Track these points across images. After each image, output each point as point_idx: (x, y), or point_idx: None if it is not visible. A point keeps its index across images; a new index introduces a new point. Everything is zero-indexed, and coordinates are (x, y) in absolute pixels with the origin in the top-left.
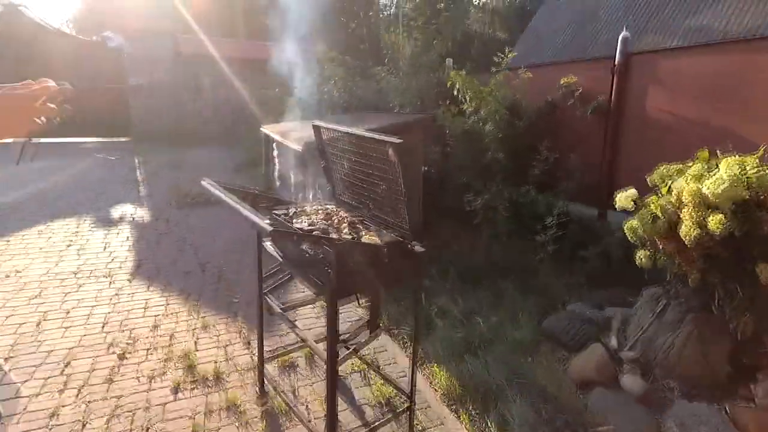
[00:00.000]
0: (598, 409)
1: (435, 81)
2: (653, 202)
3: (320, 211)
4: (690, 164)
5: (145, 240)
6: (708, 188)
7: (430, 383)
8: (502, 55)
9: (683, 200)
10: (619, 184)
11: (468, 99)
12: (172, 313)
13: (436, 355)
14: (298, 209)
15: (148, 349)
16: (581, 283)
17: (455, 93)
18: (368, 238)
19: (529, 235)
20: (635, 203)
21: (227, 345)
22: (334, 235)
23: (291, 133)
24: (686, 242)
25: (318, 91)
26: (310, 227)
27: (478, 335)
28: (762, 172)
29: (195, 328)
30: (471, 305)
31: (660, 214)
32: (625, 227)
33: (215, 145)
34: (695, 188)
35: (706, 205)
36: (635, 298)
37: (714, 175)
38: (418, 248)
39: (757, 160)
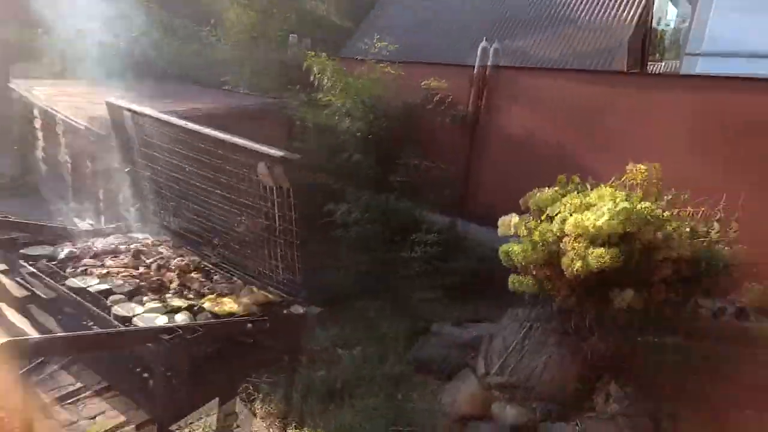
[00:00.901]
0: None
1: (277, 59)
2: (534, 230)
3: (123, 250)
4: (557, 189)
5: None
6: (589, 220)
7: None
8: (370, 43)
9: (566, 231)
10: (477, 194)
11: (326, 88)
12: None
13: (296, 408)
14: (79, 247)
15: None
16: (440, 298)
17: (311, 79)
18: (214, 301)
19: (391, 248)
20: (515, 228)
21: None
22: (150, 304)
23: (68, 100)
24: (567, 273)
25: (116, 44)
26: (100, 286)
27: (343, 374)
28: (637, 208)
29: None
30: (334, 333)
31: (540, 242)
32: (500, 251)
33: None
34: (579, 219)
35: (585, 237)
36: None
37: (592, 206)
38: (297, 309)
39: (624, 194)
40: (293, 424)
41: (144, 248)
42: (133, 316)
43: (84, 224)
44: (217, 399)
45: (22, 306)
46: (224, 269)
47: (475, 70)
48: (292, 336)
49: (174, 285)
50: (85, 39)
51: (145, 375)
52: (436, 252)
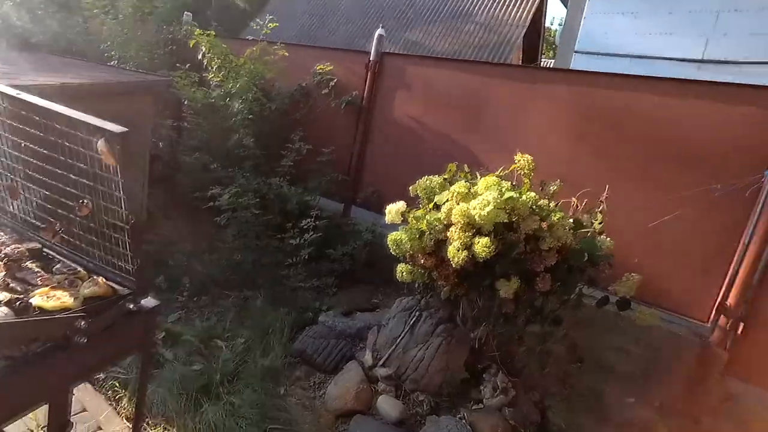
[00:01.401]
0: None
1: (168, 37)
2: (420, 218)
3: None
4: (445, 177)
5: None
6: (475, 209)
7: None
8: (260, 23)
9: (452, 220)
10: (366, 180)
11: (215, 68)
12: None
13: (164, 405)
14: None
15: None
16: (328, 285)
17: (199, 57)
18: (45, 295)
19: (278, 234)
20: (403, 216)
21: None
22: None
23: None
24: (453, 263)
25: None
26: None
27: (221, 367)
28: (518, 197)
29: None
30: (211, 324)
31: (427, 231)
32: (388, 239)
33: None
34: (465, 209)
35: (472, 226)
36: (381, 300)
37: (479, 195)
38: (148, 302)
39: (509, 183)
40: (161, 425)
41: None
42: None
43: None
44: (46, 406)
45: None
46: (68, 257)
47: (372, 56)
48: (143, 331)
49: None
50: None
51: None
52: (324, 238)
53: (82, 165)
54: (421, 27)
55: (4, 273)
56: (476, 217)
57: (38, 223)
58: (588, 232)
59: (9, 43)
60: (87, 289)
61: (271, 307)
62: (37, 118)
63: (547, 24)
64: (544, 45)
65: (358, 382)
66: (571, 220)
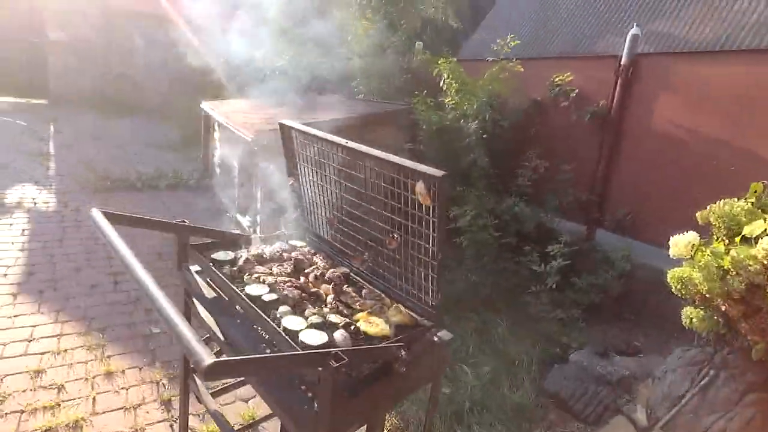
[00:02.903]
0: None
1: (404, 66)
2: (719, 254)
3: (285, 258)
4: (750, 200)
5: (46, 236)
6: None
7: None
8: (502, 42)
9: None
10: (614, 199)
11: (453, 91)
12: (65, 351)
13: (420, 425)
14: (251, 252)
15: (21, 412)
16: (576, 318)
17: (441, 83)
18: (367, 320)
19: (516, 257)
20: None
21: (138, 406)
22: (312, 318)
23: (237, 116)
24: None
25: (269, 65)
26: (270, 295)
27: (468, 395)
28: None
29: (95, 376)
30: (455, 347)
31: (733, 271)
32: (669, 275)
33: (146, 117)
34: None
35: None
36: (643, 344)
37: None
38: (444, 335)
39: None
40: None
41: (302, 257)
42: (299, 331)
43: (255, 236)
44: (364, 427)
45: (210, 307)
46: (373, 284)
47: (623, 59)
48: (438, 362)
49: (330, 298)
50: (250, 65)
51: (309, 396)
52: (568, 265)
53: (395, 203)
54: (667, 13)
55: (333, 296)
56: None
57: (348, 252)
58: None
59: (286, 89)
60: (395, 317)
61: (513, 336)
62: (360, 163)
63: None
64: None
65: None
66: None
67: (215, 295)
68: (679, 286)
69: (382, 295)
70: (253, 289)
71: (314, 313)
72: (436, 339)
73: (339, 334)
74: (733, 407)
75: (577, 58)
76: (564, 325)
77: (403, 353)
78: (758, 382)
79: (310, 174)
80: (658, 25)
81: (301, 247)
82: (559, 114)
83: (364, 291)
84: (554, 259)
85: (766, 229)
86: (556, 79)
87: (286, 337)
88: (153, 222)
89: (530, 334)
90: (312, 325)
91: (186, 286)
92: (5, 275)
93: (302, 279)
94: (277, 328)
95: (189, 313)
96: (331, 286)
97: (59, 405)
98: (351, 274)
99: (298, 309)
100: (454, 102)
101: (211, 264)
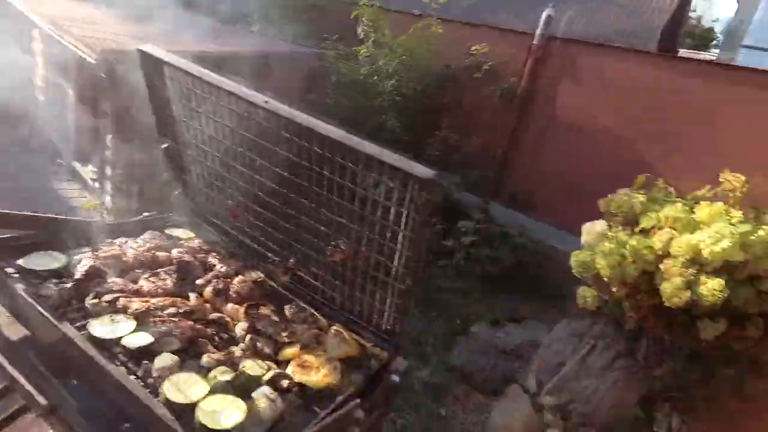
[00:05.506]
0: None
1: (314, 4)
2: (624, 242)
3: (162, 261)
4: (642, 192)
5: None
6: (704, 244)
7: None
8: None
9: (672, 251)
10: (519, 178)
11: (370, 42)
12: None
13: None
14: (101, 253)
15: None
16: (474, 289)
17: (359, 31)
18: (300, 363)
19: None
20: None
21: None
22: (219, 375)
23: (74, 24)
24: (669, 303)
25: None
26: (139, 337)
27: None
28: (759, 233)
29: None
30: None
31: (631, 258)
32: (573, 258)
33: None
34: (693, 242)
35: (695, 262)
36: (535, 313)
37: (702, 225)
38: (399, 364)
39: (741, 213)
40: None
41: (190, 258)
42: (197, 403)
43: (104, 219)
44: None
45: (18, 357)
46: (298, 293)
47: (535, 39)
48: (389, 393)
49: (240, 329)
50: None
51: None
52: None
53: (347, 204)
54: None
55: (247, 326)
56: (706, 253)
57: (268, 255)
58: None
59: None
60: (337, 349)
61: (420, 312)
62: (290, 136)
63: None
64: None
65: (526, 412)
66: None
67: (27, 333)
68: (581, 270)
69: (314, 313)
70: (103, 328)
71: (219, 363)
72: (395, 380)
73: (263, 399)
74: (605, 372)
75: (498, 29)
76: (465, 297)
77: (362, 414)
78: (625, 350)
79: (200, 135)
80: (576, 10)
81: (186, 239)
82: (472, 86)
83: (288, 308)
84: (465, 234)
85: (657, 223)
86: (472, 49)
87: (173, 423)
88: None
89: (436, 311)
90: (218, 388)
91: None
92: None
93: (193, 298)
94: (154, 406)
95: None
96: (242, 309)
97: None
98: (266, 279)
99: (190, 358)
100: (369, 54)
101: (17, 280)
